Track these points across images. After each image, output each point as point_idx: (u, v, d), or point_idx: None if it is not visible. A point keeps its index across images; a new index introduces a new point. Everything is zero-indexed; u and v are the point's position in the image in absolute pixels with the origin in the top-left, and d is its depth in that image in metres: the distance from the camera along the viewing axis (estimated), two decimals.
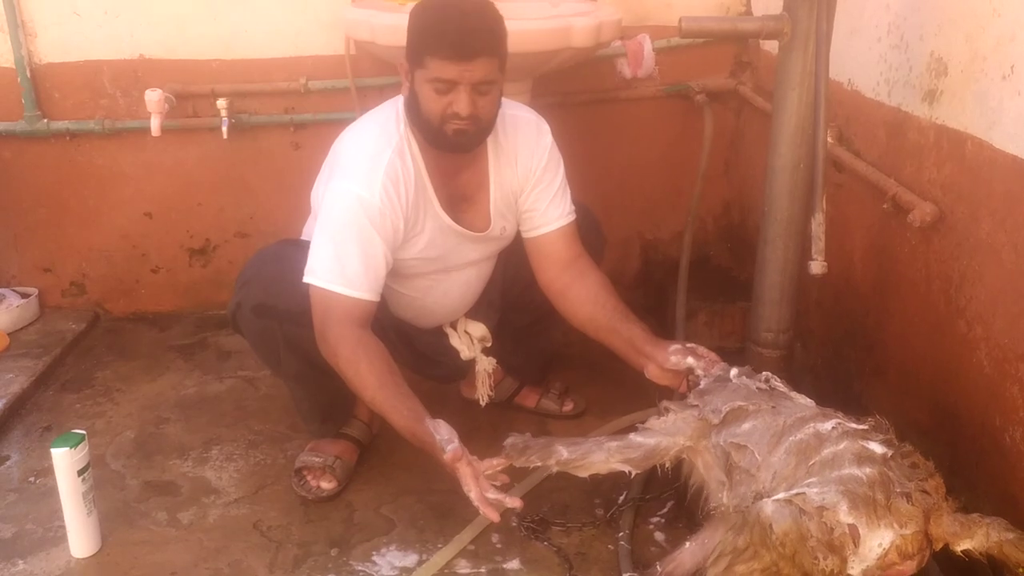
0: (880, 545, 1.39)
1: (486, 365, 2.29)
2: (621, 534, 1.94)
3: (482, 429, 2.36)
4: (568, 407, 2.46)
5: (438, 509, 2.05)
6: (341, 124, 2.84)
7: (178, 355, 2.87)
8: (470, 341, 2.27)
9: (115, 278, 3.11)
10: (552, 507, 2.06)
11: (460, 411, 2.45)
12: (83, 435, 1.88)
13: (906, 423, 1.94)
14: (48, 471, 2.11)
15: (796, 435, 1.53)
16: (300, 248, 1.98)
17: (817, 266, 1.62)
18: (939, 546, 1.43)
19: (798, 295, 1.88)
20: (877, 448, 1.48)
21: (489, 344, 2.28)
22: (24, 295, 3.00)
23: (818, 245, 1.61)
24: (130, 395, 2.62)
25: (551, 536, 1.97)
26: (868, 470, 1.43)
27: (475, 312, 2.28)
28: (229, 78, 2.87)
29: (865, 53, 2.05)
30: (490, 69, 1.84)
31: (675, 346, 1.92)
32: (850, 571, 1.41)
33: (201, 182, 3.01)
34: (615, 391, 2.43)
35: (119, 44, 2.83)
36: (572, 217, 2.12)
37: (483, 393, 2.34)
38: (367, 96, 2.85)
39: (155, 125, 2.74)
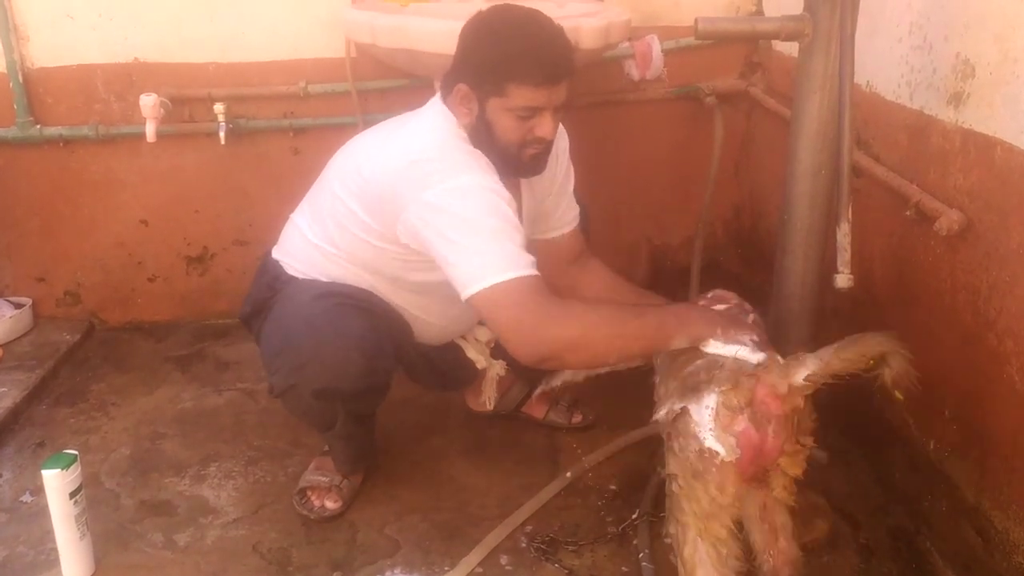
0: (708, 408, 1.50)
1: (498, 370, 2.23)
2: (642, 554, 1.88)
3: (490, 442, 2.30)
4: (577, 419, 2.39)
5: (444, 529, 1.99)
6: (341, 129, 2.81)
7: (175, 367, 2.80)
8: (482, 347, 2.21)
9: (110, 287, 3.04)
10: (563, 526, 2.00)
11: (466, 424, 2.40)
12: (75, 456, 1.81)
13: (931, 439, 1.88)
14: (40, 490, 2.02)
15: (690, 368, 1.60)
16: (347, 306, 1.86)
17: (843, 279, 1.54)
18: (791, 394, 1.48)
19: (820, 306, 1.80)
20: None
21: (493, 345, 2.21)
22: (17, 305, 2.93)
23: (844, 257, 1.53)
24: (125, 409, 2.55)
25: (562, 557, 1.90)
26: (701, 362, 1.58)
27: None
28: (226, 82, 2.80)
29: (885, 54, 1.98)
30: (568, 89, 1.79)
31: (701, 301, 1.86)
32: (706, 444, 1.50)
33: (198, 189, 2.94)
34: (624, 403, 2.35)
35: (113, 47, 2.76)
36: (570, 227, 2.14)
37: (489, 396, 2.28)
38: (368, 100, 2.79)
39: (150, 130, 2.67)
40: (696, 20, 1.58)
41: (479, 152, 1.83)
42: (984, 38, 1.63)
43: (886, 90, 2.01)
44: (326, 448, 2.14)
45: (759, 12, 2.87)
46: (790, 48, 2.51)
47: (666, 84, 2.94)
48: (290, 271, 2.02)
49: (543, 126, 1.79)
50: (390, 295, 1.98)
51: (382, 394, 1.98)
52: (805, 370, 1.46)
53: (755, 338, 1.62)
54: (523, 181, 1.96)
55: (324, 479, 2.07)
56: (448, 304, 1.93)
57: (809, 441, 1.55)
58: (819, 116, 1.65)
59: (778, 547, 1.65)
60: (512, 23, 1.78)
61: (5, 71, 2.72)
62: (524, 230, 1.86)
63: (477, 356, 2.21)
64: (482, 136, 1.82)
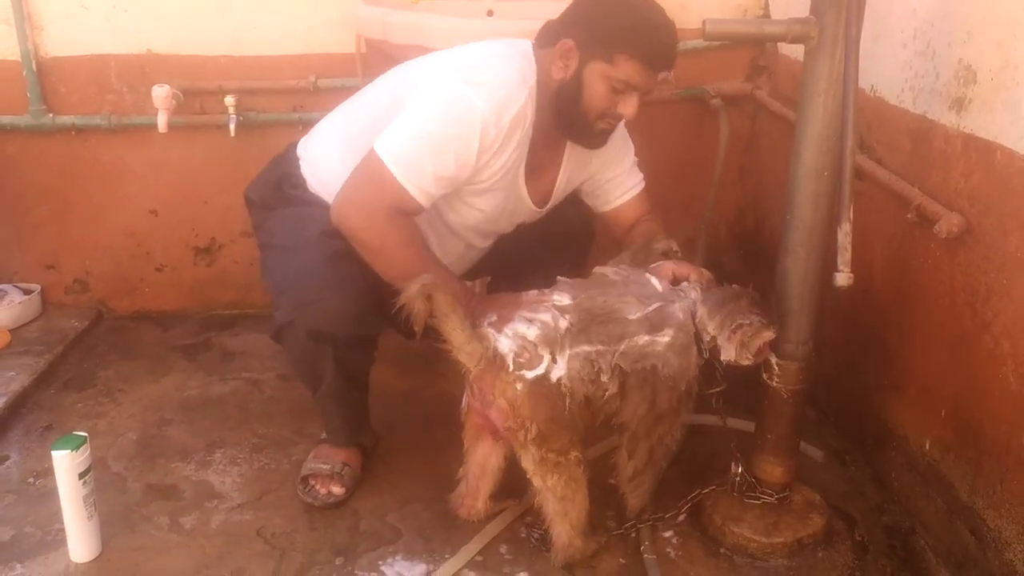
0: None
1: None
2: (643, 546, 1.91)
3: None
4: None
5: (445, 518, 2.02)
6: None
7: (182, 355, 2.83)
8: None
9: (119, 276, 3.07)
10: None
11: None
12: (85, 437, 1.84)
13: (927, 438, 1.90)
14: (48, 472, 2.07)
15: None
16: (351, 256, 1.88)
17: (843, 278, 1.57)
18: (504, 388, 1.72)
19: (820, 306, 1.83)
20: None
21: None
22: (27, 292, 2.96)
23: (844, 256, 1.56)
24: (132, 395, 2.58)
25: None
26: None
27: (468, 276, 2.28)
28: (237, 75, 2.84)
29: (889, 59, 2.01)
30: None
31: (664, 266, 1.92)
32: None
33: (207, 180, 2.97)
34: None
35: (126, 38, 2.80)
36: (642, 185, 2.22)
37: None
38: None
39: (162, 121, 2.70)
40: (704, 22, 1.60)
41: (526, 97, 1.85)
42: (986, 45, 1.65)
43: (890, 94, 2.03)
44: (324, 436, 2.17)
45: (766, 15, 2.90)
46: (796, 52, 2.53)
47: (672, 86, 2.96)
48: (305, 174, 2.06)
49: (629, 105, 1.86)
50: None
51: (369, 350, 2.02)
52: (524, 378, 1.70)
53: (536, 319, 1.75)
54: (567, 152, 2.05)
55: (325, 466, 2.09)
56: (457, 238, 2.04)
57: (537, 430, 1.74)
58: (823, 119, 1.67)
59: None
60: (640, 1, 1.85)
61: (19, 60, 2.75)
62: (558, 193, 2.09)
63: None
64: (567, 95, 1.87)
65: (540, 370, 1.70)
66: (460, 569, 1.87)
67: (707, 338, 1.79)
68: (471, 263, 2.23)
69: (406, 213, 1.85)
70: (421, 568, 1.88)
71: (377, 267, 1.85)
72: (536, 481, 1.80)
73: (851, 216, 1.57)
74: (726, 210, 3.15)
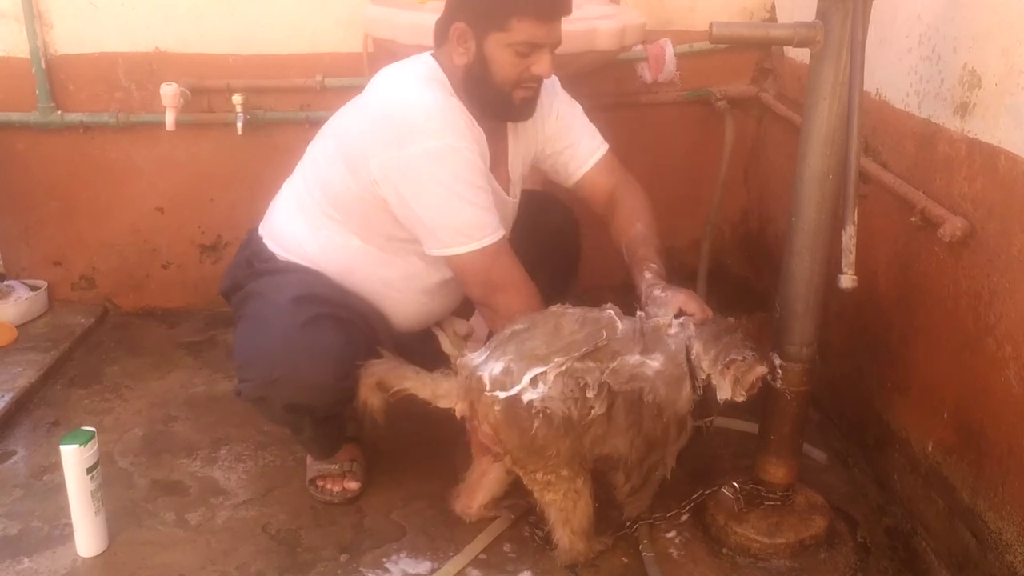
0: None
1: None
2: (643, 543, 1.92)
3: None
4: None
5: (450, 516, 2.03)
6: None
7: (187, 352, 2.84)
8: (459, 342, 2.24)
9: (125, 273, 3.08)
10: None
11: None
12: (93, 432, 1.86)
13: (929, 440, 1.91)
14: (55, 467, 2.08)
15: None
16: (323, 321, 1.84)
17: (847, 280, 1.58)
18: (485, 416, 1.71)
19: (824, 308, 1.84)
20: None
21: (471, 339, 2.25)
22: (33, 288, 2.98)
23: (848, 259, 1.56)
24: (139, 392, 2.59)
25: None
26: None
27: (459, 311, 2.26)
28: (245, 73, 2.85)
29: (895, 63, 2.02)
30: (562, 29, 1.85)
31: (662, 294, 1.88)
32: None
33: (214, 178, 2.99)
34: None
35: (135, 36, 2.81)
36: (600, 152, 2.13)
37: None
38: None
39: (170, 119, 2.71)
40: (711, 25, 1.61)
41: (456, 105, 1.85)
42: (991, 51, 1.66)
43: (895, 98, 2.04)
44: None
45: (772, 19, 2.91)
46: (801, 55, 2.54)
47: (678, 88, 2.97)
48: (272, 248, 2.04)
49: (541, 63, 1.83)
50: (375, 267, 2.00)
51: (351, 400, 1.94)
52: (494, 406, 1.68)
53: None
54: (510, 137, 2.01)
55: (334, 466, 2.10)
56: (435, 269, 2.00)
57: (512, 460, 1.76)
58: (828, 122, 1.68)
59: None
60: None
61: (28, 57, 2.77)
62: (515, 177, 2.02)
63: (452, 351, 2.24)
64: (476, 75, 1.86)
65: (513, 391, 1.66)
66: (464, 567, 1.88)
67: (702, 376, 1.76)
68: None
69: (508, 253, 1.89)
70: (426, 565, 1.89)
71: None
72: (536, 495, 1.81)
73: (856, 219, 1.58)
74: (731, 212, 3.16)
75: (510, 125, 2.01)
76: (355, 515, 2.05)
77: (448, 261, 1.88)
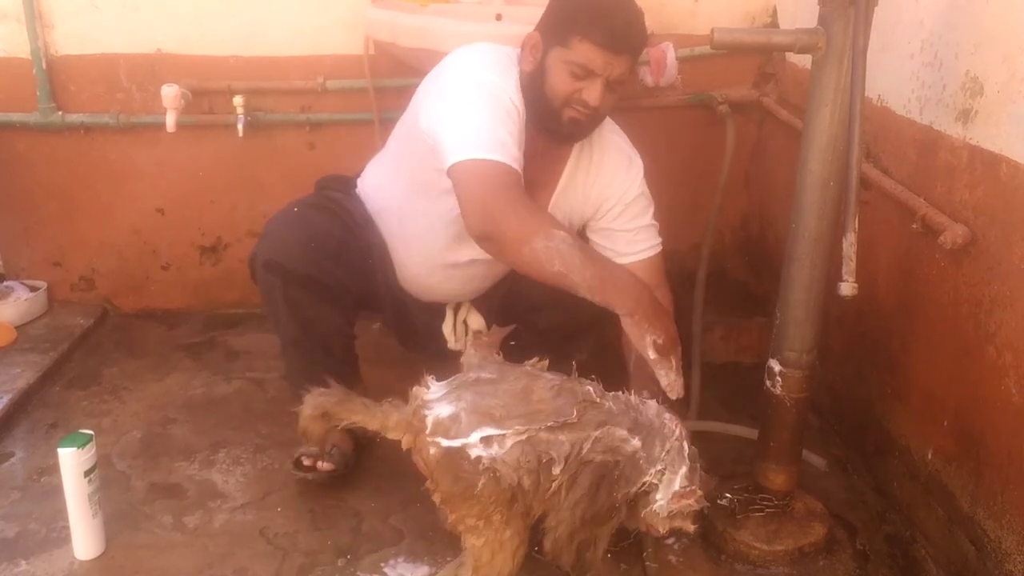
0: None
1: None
2: (646, 552, 1.91)
3: None
4: None
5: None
6: (357, 125, 2.86)
7: (186, 354, 2.84)
8: (464, 332, 2.23)
9: (125, 274, 3.08)
10: None
11: None
12: (91, 435, 1.85)
13: (929, 448, 1.91)
14: (52, 469, 2.07)
15: None
16: (327, 211, 2.08)
17: (847, 287, 1.57)
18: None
19: (824, 314, 1.84)
20: None
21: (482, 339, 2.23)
22: (33, 288, 2.98)
23: (849, 266, 1.56)
24: (137, 394, 2.59)
25: None
26: None
27: (478, 305, 2.25)
28: (246, 75, 2.85)
29: (897, 69, 2.02)
30: (628, 68, 1.86)
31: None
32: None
33: (214, 179, 2.99)
34: None
35: (136, 38, 2.81)
36: (645, 255, 2.07)
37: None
38: (385, 97, 2.82)
39: (171, 121, 2.71)
40: (712, 30, 1.61)
41: (513, 88, 1.88)
42: (993, 58, 1.66)
43: (896, 105, 2.04)
44: None
45: (774, 24, 2.90)
46: (803, 60, 2.54)
47: (680, 92, 2.97)
48: (358, 185, 2.25)
49: (592, 91, 1.85)
50: (408, 215, 2.09)
51: (321, 299, 2.01)
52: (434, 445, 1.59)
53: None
54: (565, 173, 2.03)
55: (314, 448, 2.11)
56: (465, 244, 1.98)
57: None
58: (830, 128, 1.68)
59: None
60: None
61: (29, 58, 2.77)
62: (558, 213, 2.00)
63: (449, 334, 2.23)
64: (534, 83, 1.89)
65: (456, 442, 1.57)
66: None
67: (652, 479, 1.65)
68: (479, 286, 2.23)
69: (519, 185, 1.78)
70: (423, 570, 1.89)
71: (552, 263, 1.71)
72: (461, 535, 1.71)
73: (856, 226, 1.57)
74: (731, 217, 3.16)
75: (570, 165, 2.03)
76: (353, 519, 2.05)
77: (453, 172, 1.78)
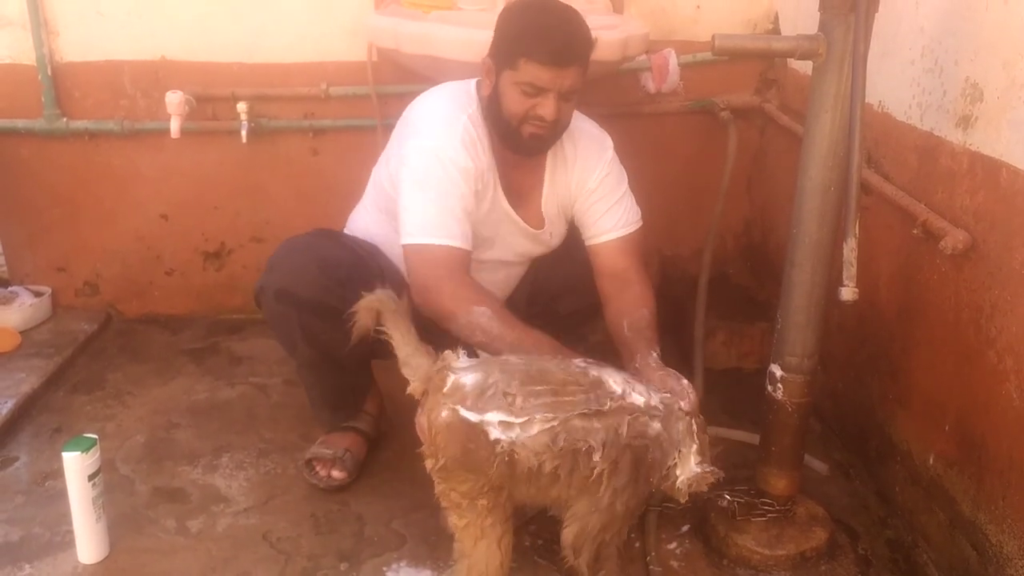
0: None
1: None
2: (649, 556, 1.92)
3: None
4: None
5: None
6: (360, 131, 2.86)
7: (189, 359, 2.85)
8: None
9: (129, 279, 3.09)
10: None
11: None
12: (95, 439, 1.86)
13: (931, 453, 1.91)
14: (57, 473, 2.08)
15: None
16: (332, 239, 2.10)
17: (848, 292, 1.58)
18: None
19: (825, 320, 1.84)
20: None
21: None
22: (37, 294, 2.99)
23: (850, 271, 1.57)
24: (141, 398, 2.60)
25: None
26: None
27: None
28: (250, 82, 2.86)
29: (897, 76, 2.02)
30: (579, 77, 1.92)
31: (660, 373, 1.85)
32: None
33: (218, 186, 3.00)
34: None
35: (141, 44, 2.82)
36: (627, 230, 2.14)
37: None
38: (388, 103, 2.83)
39: (175, 127, 2.72)
40: (713, 37, 1.62)
41: (466, 123, 1.98)
42: (993, 64, 1.67)
43: (897, 111, 2.05)
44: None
45: (775, 30, 2.91)
46: (804, 66, 2.54)
47: (682, 98, 2.98)
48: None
49: (546, 106, 1.92)
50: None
51: (336, 325, 1.93)
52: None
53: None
54: (547, 175, 2.11)
55: (328, 451, 2.16)
56: None
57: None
58: (831, 134, 1.69)
59: None
60: (537, 5, 1.94)
61: (34, 64, 2.78)
62: (549, 214, 2.14)
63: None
64: (492, 107, 1.99)
65: (475, 417, 1.56)
66: None
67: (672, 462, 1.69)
68: (507, 288, 2.28)
69: (463, 268, 1.94)
70: (426, 575, 1.89)
71: (474, 335, 1.85)
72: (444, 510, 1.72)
73: (857, 231, 1.58)
74: (733, 222, 3.16)
75: (549, 165, 2.12)
76: (355, 524, 2.05)
77: (404, 252, 1.95)
